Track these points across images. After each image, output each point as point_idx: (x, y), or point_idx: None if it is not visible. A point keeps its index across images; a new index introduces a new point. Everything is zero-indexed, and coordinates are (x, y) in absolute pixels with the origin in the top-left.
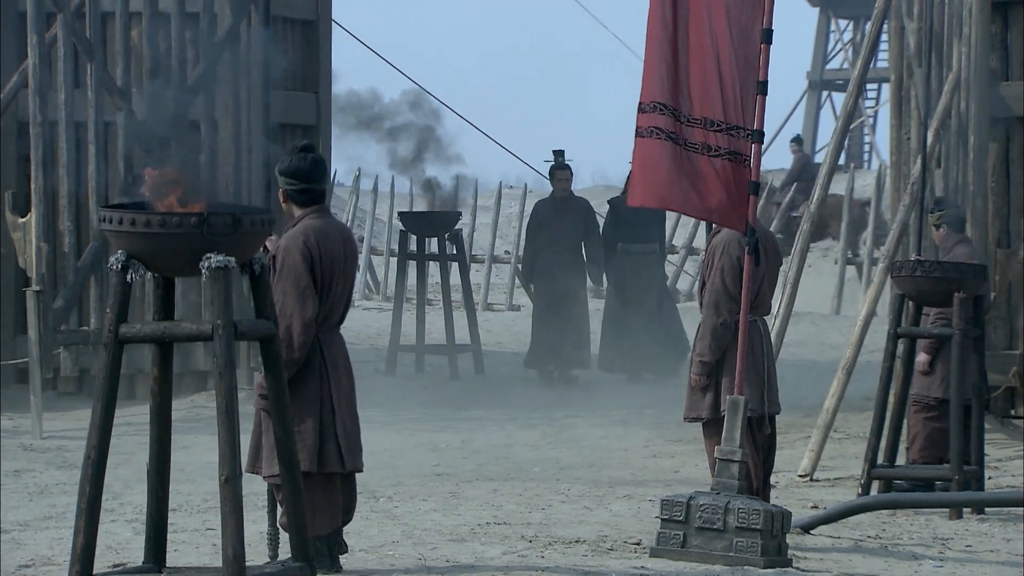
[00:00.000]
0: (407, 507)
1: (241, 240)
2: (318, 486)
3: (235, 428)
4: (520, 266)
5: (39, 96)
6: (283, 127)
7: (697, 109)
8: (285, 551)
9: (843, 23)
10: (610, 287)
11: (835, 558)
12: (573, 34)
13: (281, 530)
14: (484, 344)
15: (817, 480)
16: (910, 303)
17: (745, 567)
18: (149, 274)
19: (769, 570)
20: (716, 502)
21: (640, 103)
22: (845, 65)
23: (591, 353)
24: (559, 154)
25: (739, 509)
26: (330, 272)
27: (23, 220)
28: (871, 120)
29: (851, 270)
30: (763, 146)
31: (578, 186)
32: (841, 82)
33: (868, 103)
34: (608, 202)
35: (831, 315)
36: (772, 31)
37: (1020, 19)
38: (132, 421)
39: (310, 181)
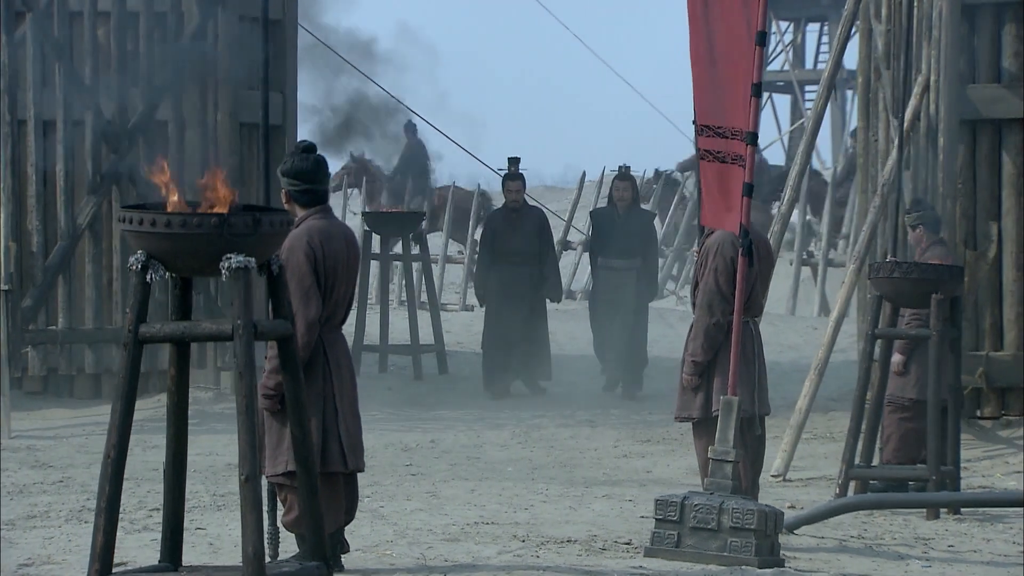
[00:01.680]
0: (392, 507)
1: (261, 241)
2: (321, 486)
3: (254, 427)
4: (474, 270)
5: (7, 95)
6: (249, 127)
7: (705, 117)
8: (284, 549)
9: (784, 25)
10: (590, 301)
11: (824, 558)
12: (536, 30)
13: (281, 529)
14: (445, 344)
15: (790, 480)
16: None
17: (743, 567)
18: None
19: (766, 570)
20: (710, 502)
21: (697, 124)
22: (786, 67)
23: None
24: (514, 162)
25: (733, 509)
26: (333, 273)
27: None
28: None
29: (806, 271)
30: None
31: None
32: (782, 83)
33: (808, 104)
34: (589, 214)
35: (787, 316)
36: (766, 33)
37: (988, 22)
38: (100, 421)
39: (313, 181)
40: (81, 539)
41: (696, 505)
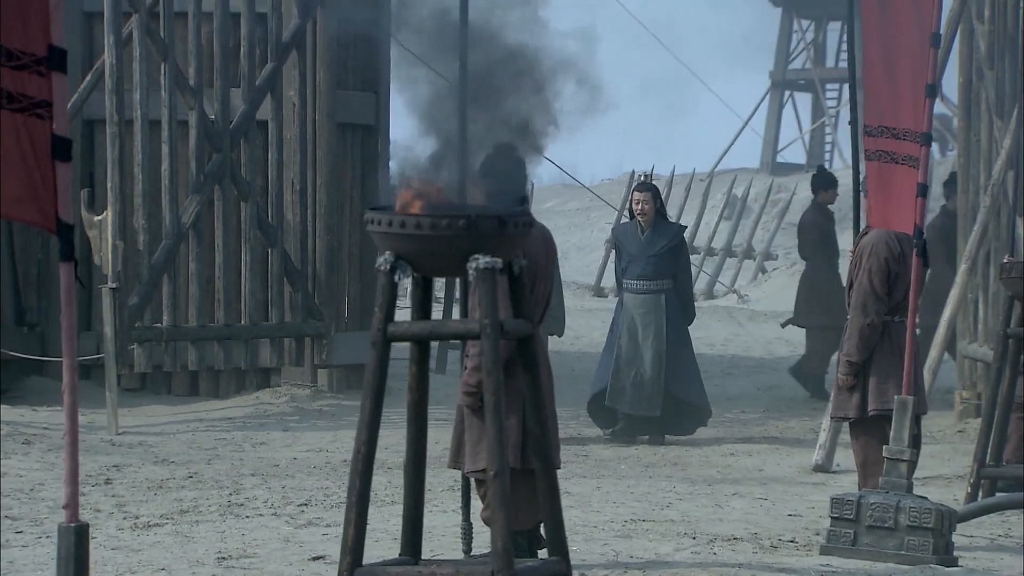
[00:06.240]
0: None
1: (506, 241)
2: (521, 482)
3: (501, 424)
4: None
5: (115, 95)
6: (343, 127)
7: (876, 118)
8: (476, 545)
9: (805, 23)
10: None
11: (988, 557)
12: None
13: (474, 524)
14: None
15: None
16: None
17: (932, 566)
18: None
19: (953, 569)
20: (887, 500)
21: (865, 125)
22: (807, 65)
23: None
24: None
25: (910, 508)
26: (532, 272)
27: (99, 218)
28: (833, 119)
29: None
30: (729, 146)
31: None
32: (803, 82)
33: (830, 102)
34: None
35: None
36: (940, 35)
37: None
38: (202, 417)
39: (513, 181)
40: (253, 533)
41: (872, 504)
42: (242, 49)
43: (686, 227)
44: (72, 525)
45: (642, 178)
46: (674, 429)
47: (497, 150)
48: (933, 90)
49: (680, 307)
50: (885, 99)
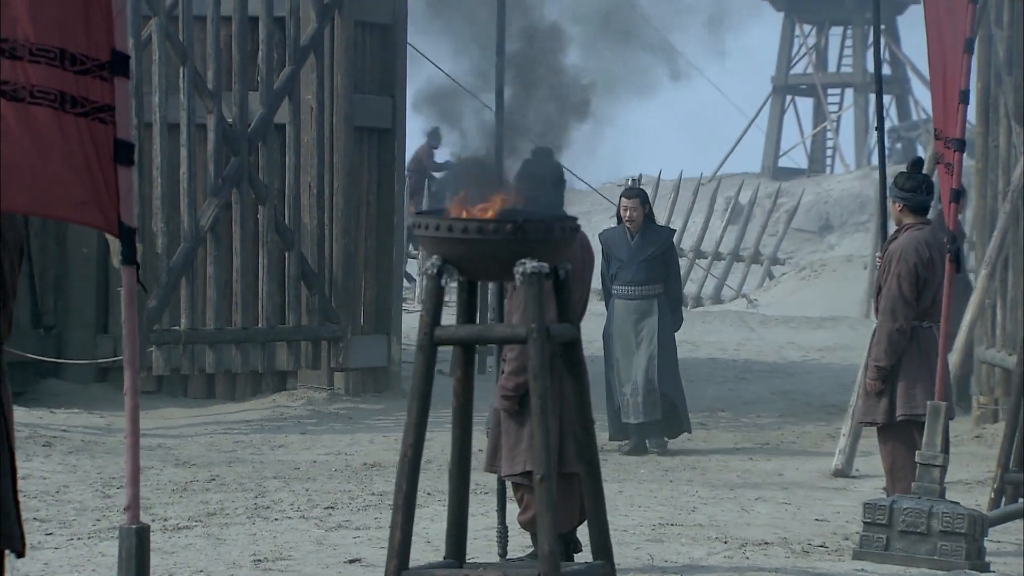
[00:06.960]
0: None
1: (552, 246)
2: (558, 486)
3: (548, 429)
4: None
5: (135, 99)
6: (359, 130)
7: (940, 123)
8: (510, 548)
9: (807, 28)
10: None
11: (1019, 562)
12: None
13: (510, 527)
14: None
15: None
16: None
17: (965, 571)
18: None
19: (988, 574)
20: (919, 506)
21: (935, 128)
22: (809, 70)
23: None
24: None
25: (943, 513)
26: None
27: None
28: (835, 124)
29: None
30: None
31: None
32: (805, 87)
33: (832, 107)
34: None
35: (862, 319)
36: (973, 40)
37: None
38: (219, 420)
39: (553, 186)
40: (284, 536)
41: (905, 509)
42: (260, 53)
43: (675, 231)
44: (133, 527)
45: (629, 183)
46: (667, 431)
47: (535, 155)
48: (965, 96)
49: (671, 312)
50: (943, 103)
